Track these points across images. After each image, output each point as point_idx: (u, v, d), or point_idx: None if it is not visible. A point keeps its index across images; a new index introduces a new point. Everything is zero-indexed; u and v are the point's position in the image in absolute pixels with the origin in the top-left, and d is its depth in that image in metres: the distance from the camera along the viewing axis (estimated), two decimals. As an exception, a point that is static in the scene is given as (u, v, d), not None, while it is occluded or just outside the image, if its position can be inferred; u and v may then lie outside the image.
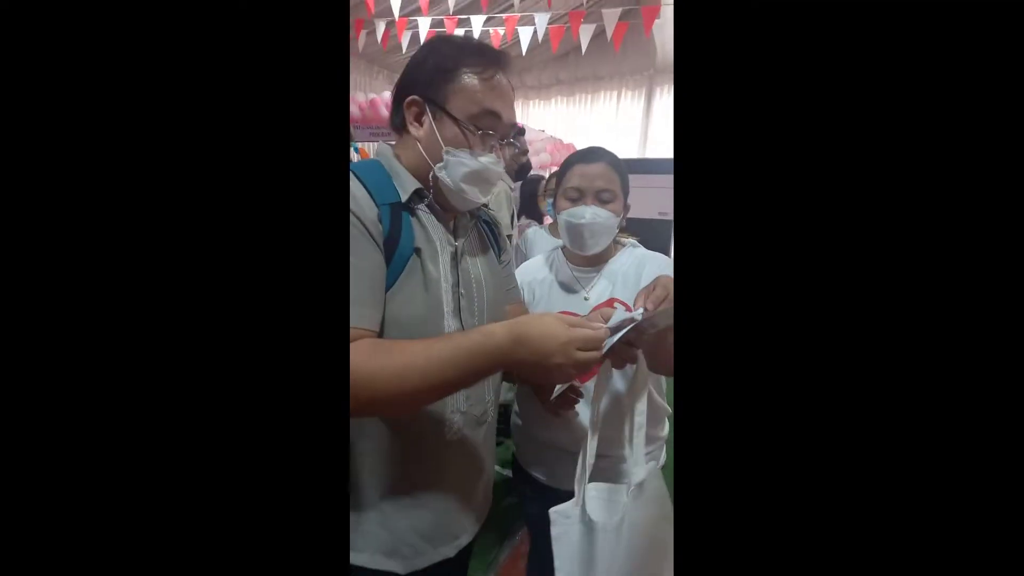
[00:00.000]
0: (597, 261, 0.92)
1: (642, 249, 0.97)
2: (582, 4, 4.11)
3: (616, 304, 0.87)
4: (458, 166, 0.62)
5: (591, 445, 0.69)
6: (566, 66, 7.06)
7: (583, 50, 4.51)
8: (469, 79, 0.61)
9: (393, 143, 0.68)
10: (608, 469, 0.78)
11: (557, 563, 0.69)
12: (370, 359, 0.52)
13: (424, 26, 4.48)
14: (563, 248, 0.97)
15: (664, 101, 6.84)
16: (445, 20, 4.59)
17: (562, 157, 6.17)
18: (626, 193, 0.92)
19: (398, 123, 0.66)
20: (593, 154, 0.90)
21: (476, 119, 0.62)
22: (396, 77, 0.68)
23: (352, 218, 0.56)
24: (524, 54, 4.68)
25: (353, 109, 4.29)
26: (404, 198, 0.62)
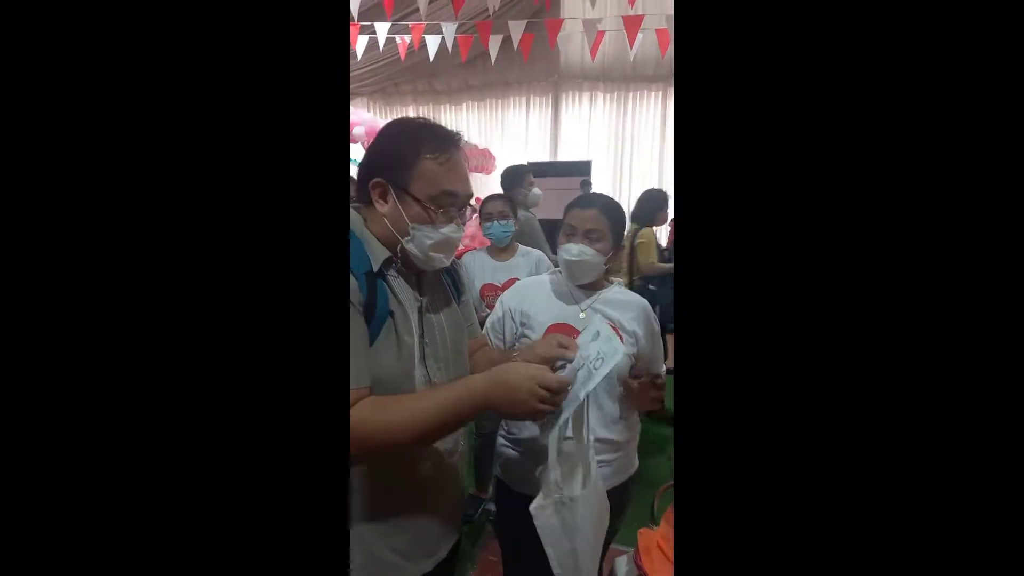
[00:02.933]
0: (591, 289, 1.11)
1: (626, 292, 1.16)
2: (486, 13, 4.20)
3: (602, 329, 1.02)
4: (423, 239, 0.71)
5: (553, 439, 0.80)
6: (475, 72, 7.14)
7: (492, 59, 4.60)
8: (428, 164, 0.70)
9: (358, 206, 0.76)
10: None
11: (547, 546, 0.79)
12: (372, 416, 0.63)
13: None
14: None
15: (571, 107, 7.17)
16: (349, 26, 4.44)
17: (479, 162, 6.24)
18: (616, 234, 1.08)
19: (365, 199, 0.73)
20: (589, 200, 1.09)
21: (436, 199, 0.71)
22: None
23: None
24: (431, 61, 4.66)
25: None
26: (376, 267, 0.70)
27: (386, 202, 0.72)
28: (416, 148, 0.70)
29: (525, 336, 1.10)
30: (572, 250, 1.05)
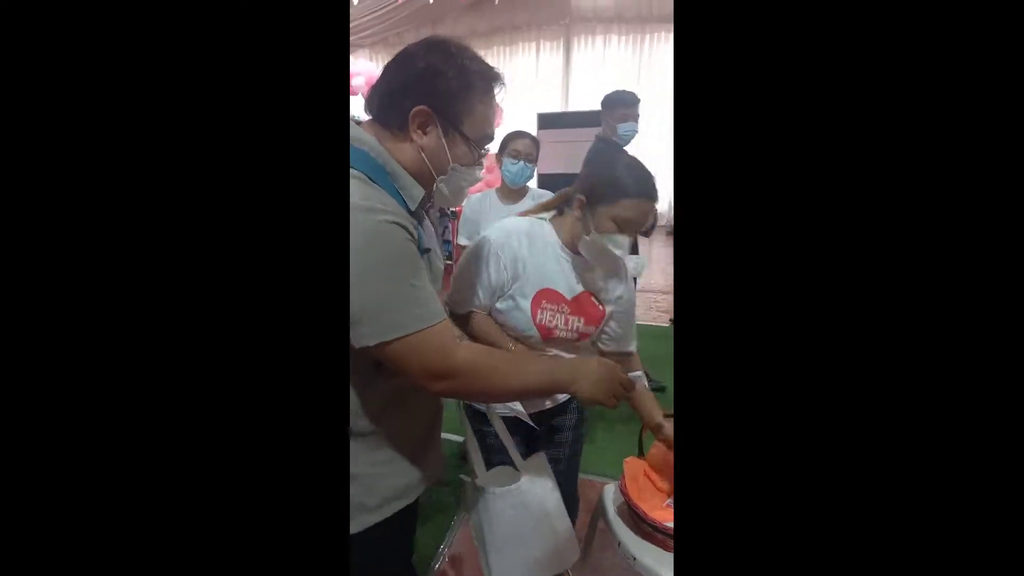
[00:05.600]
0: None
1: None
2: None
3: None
4: (461, 180, 0.69)
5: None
6: (481, 16, 6.75)
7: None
8: (481, 104, 0.66)
9: (362, 122, 0.69)
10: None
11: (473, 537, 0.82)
12: (487, 358, 0.66)
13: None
14: (558, 229, 0.98)
15: (583, 52, 6.77)
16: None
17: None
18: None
19: (396, 125, 0.65)
20: (653, 191, 0.89)
21: (481, 141, 0.68)
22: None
23: (402, 231, 0.59)
24: (432, 2, 4.39)
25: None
26: (413, 207, 0.66)
27: (426, 134, 0.64)
28: (471, 84, 0.64)
29: (512, 299, 0.94)
30: (624, 244, 0.88)
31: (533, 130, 2.65)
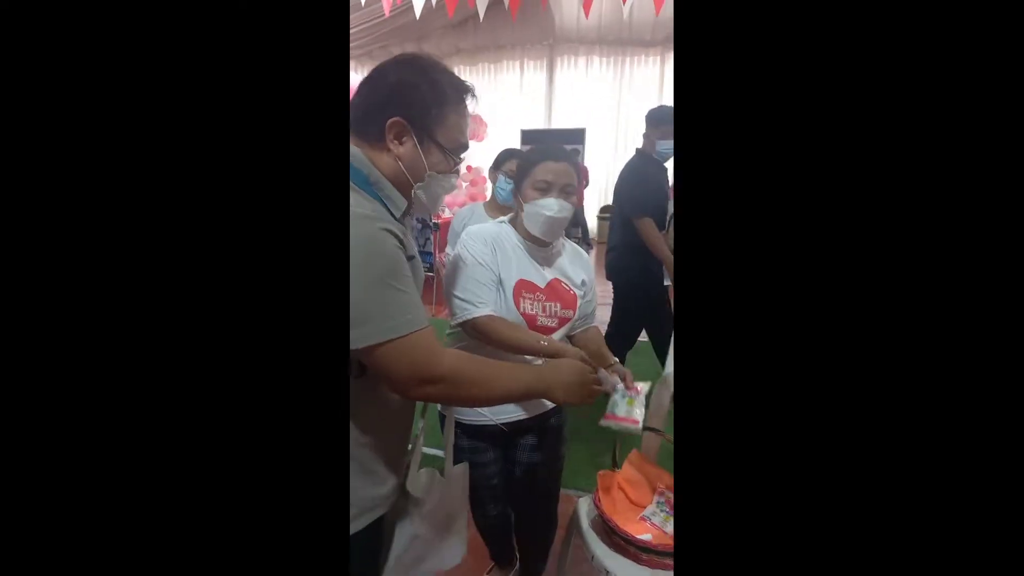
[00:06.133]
0: (544, 244, 1.07)
1: (572, 245, 1.15)
2: (477, -32, 3.97)
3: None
4: (437, 187, 0.72)
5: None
6: (465, 35, 6.85)
7: (481, 17, 4.38)
8: (453, 113, 0.70)
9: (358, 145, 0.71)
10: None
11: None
12: (471, 364, 0.67)
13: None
14: (515, 226, 1.07)
15: (566, 72, 6.92)
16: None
17: (472, 130, 6.03)
18: (579, 188, 1.06)
19: (374, 137, 0.68)
20: (560, 152, 1.03)
21: (455, 149, 0.72)
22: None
23: (391, 237, 0.62)
24: (418, 19, 4.43)
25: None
26: (399, 215, 0.69)
27: (402, 144, 0.68)
28: (442, 94, 0.69)
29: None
30: (552, 206, 0.98)
31: (517, 144, 2.68)
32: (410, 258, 0.68)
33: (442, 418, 1.04)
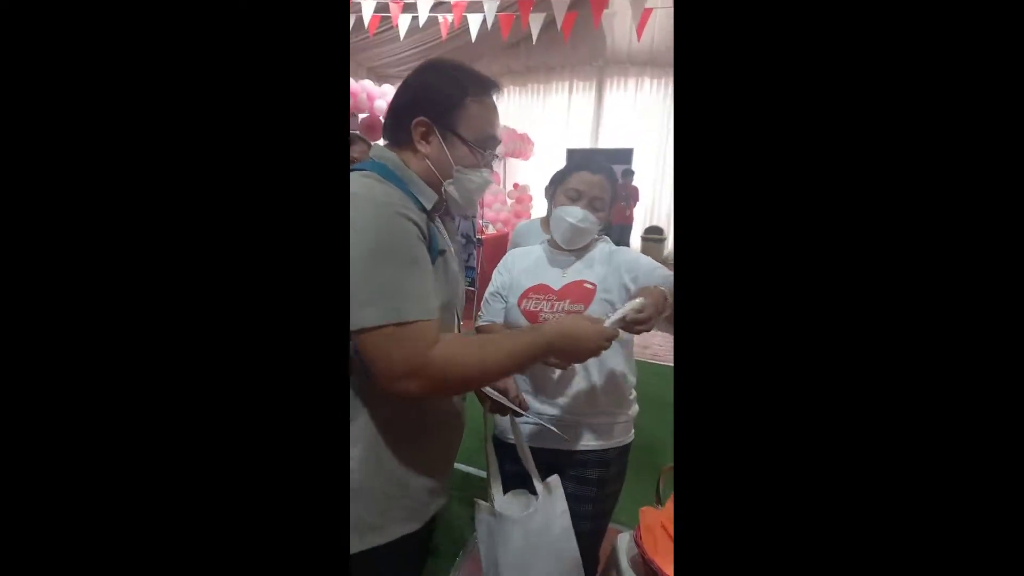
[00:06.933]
0: (570, 253, 1.06)
1: (611, 244, 1.10)
2: (531, -8, 4.06)
3: (589, 287, 1.02)
4: (467, 182, 0.72)
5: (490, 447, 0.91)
6: (517, 56, 7.00)
7: (534, 39, 4.47)
8: (474, 106, 0.69)
9: (382, 143, 0.74)
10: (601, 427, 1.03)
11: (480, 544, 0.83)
12: (463, 350, 0.64)
13: (368, 11, 4.29)
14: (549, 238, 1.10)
15: (615, 93, 6.93)
16: (390, 4, 4.42)
17: (516, 147, 6.14)
18: (613, 205, 1.06)
19: (403, 140, 0.70)
20: (599, 166, 1.03)
21: (482, 142, 0.71)
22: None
23: (409, 224, 0.62)
24: (474, 41, 4.57)
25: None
26: (428, 207, 0.70)
27: (429, 143, 0.69)
28: (463, 89, 0.69)
29: (504, 300, 1.06)
30: (576, 213, 0.99)
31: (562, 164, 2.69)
32: (440, 252, 0.68)
33: (496, 441, 1.02)
